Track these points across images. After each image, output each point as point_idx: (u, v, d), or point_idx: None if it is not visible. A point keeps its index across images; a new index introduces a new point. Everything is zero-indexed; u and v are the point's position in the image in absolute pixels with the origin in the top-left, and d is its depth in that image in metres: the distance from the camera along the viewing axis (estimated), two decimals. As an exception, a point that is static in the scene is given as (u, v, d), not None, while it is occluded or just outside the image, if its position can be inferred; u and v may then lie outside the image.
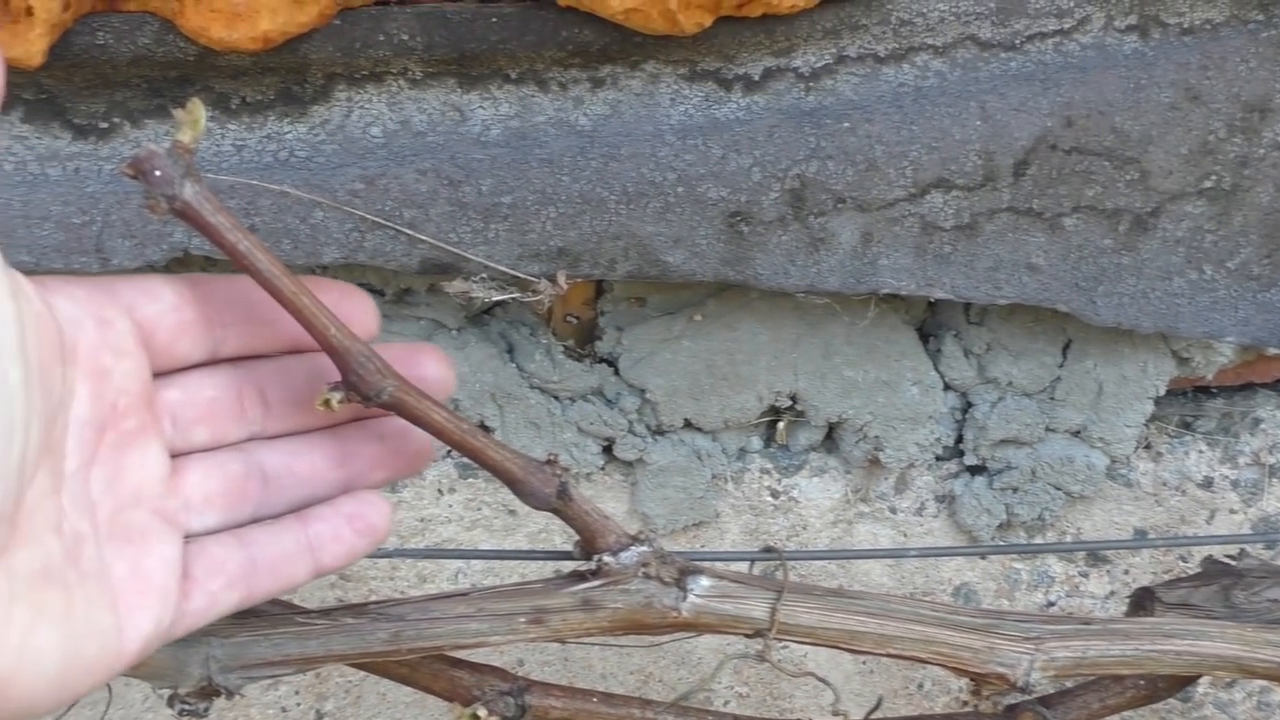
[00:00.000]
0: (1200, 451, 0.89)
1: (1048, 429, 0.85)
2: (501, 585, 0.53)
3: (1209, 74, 0.67)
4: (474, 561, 0.89)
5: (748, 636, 0.54)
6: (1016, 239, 0.71)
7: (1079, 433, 0.86)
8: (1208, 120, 0.69)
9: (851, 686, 0.96)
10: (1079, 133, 0.68)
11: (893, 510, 0.90)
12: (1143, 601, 0.64)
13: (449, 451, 0.85)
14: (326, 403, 0.44)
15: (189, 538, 0.43)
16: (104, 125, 0.65)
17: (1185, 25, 0.67)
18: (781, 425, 0.86)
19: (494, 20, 0.62)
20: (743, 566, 0.58)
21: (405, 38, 0.62)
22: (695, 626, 0.53)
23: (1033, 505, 0.88)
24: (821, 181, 0.68)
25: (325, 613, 0.52)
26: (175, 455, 0.43)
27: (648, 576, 0.52)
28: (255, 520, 0.45)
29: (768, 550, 0.72)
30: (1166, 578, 0.88)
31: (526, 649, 0.92)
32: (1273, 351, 0.82)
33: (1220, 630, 0.56)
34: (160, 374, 0.43)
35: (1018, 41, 0.67)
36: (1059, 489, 0.87)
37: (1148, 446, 0.89)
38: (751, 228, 0.69)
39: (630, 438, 0.84)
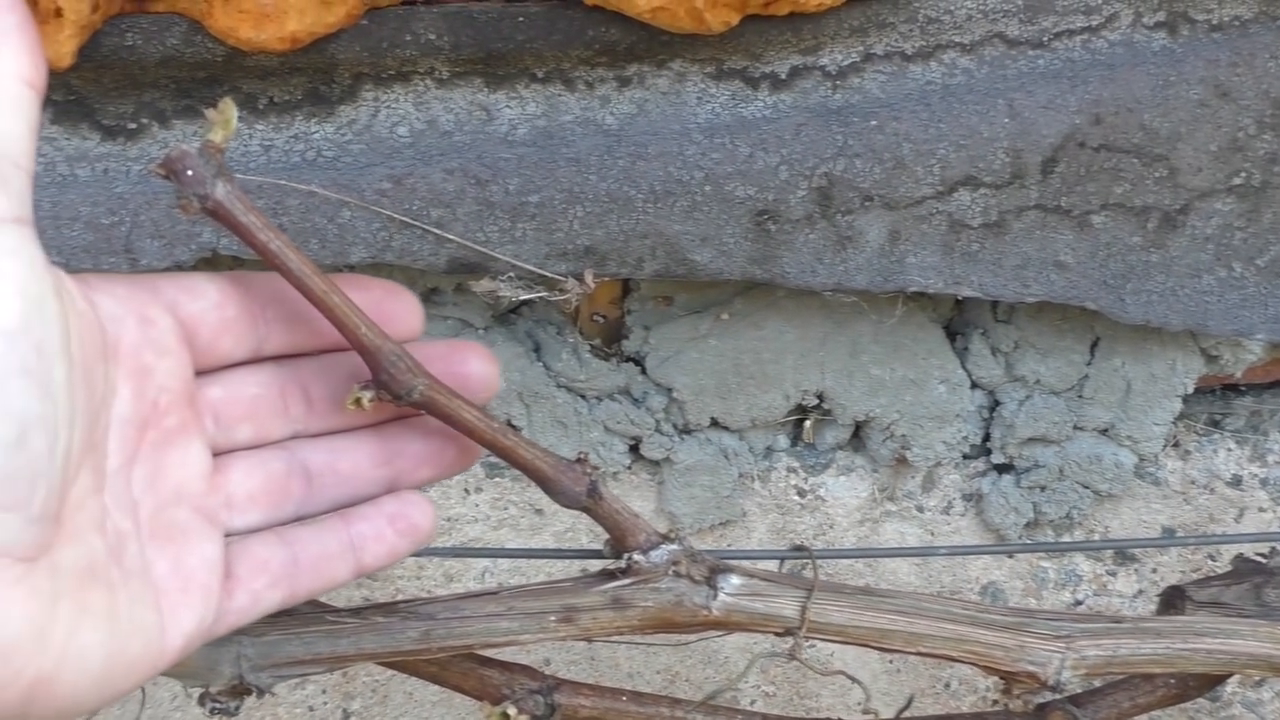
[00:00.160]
0: (1229, 449, 0.89)
1: (1075, 427, 0.85)
2: (531, 584, 0.53)
3: (1238, 70, 0.67)
4: (500, 561, 0.89)
5: (778, 635, 0.54)
6: (1044, 237, 0.71)
7: (1107, 431, 0.85)
8: (1237, 117, 0.68)
9: (879, 686, 0.96)
10: (1107, 130, 0.68)
11: (920, 509, 0.89)
12: (1173, 600, 0.64)
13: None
14: (357, 401, 0.44)
15: (232, 536, 0.43)
16: (132, 126, 0.65)
17: (1214, 22, 0.67)
18: (808, 424, 0.86)
19: (520, 20, 0.62)
20: (772, 565, 0.58)
21: (432, 37, 0.62)
22: (726, 625, 0.53)
23: (1060, 504, 0.87)
24: (849, 180, 0.67)
25: (356, 611, 0.52)
26: (218, 453, 0.43)
27: (678, 575, 0.52)
28: (298, 519, 0.45)
29: (798, 548, 0.72)
30: (1194, 577, 0.88)
31: (553, 648, 0.92)
32: (1303, 349, 0.82)
33: (1252, 629, 0.56)
34: (203, 372, 0.43)
35: (1045, 39, 0.67)
36: (1087, 487, 0.87)
37: (1176, 445, 0.88)
38: (779, 226, 0.69)
39: (657, 436, 0.84)
